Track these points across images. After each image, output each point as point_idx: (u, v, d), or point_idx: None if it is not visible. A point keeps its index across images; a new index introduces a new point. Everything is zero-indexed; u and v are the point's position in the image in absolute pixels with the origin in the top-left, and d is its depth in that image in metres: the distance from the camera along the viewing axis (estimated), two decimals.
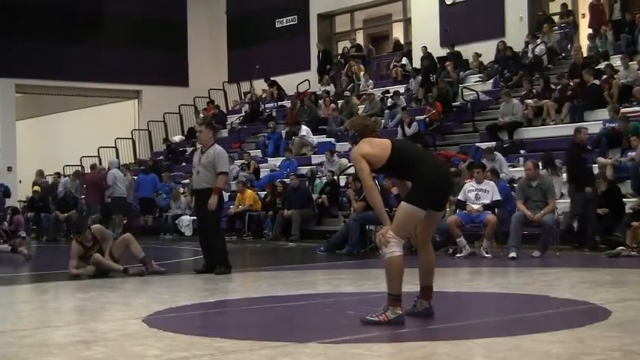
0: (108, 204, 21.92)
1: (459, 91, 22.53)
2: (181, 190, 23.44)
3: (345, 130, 7.13)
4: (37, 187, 24.97)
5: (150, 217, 23.57)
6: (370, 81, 26.04)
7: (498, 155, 17.37)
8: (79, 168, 27.30)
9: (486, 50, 23.58)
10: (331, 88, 26.89)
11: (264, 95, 29.48)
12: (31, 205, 24.63)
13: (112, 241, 11.35)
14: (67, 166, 28.05)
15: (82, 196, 23.50)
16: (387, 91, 24.18)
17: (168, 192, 24.08)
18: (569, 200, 14.95)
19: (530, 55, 22.08)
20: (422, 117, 21.63)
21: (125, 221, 22.35)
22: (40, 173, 26.38)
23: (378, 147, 6.59)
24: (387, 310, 6.37)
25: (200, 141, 11.58)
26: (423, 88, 22.98)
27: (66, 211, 22.49)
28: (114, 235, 13.58)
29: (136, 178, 23.68)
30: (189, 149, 27.32)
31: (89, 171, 24.22)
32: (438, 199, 6.65)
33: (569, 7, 23.02)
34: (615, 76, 18.94)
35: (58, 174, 26.74)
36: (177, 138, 30.14)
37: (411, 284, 6.78)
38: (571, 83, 19.43)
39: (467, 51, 24.23)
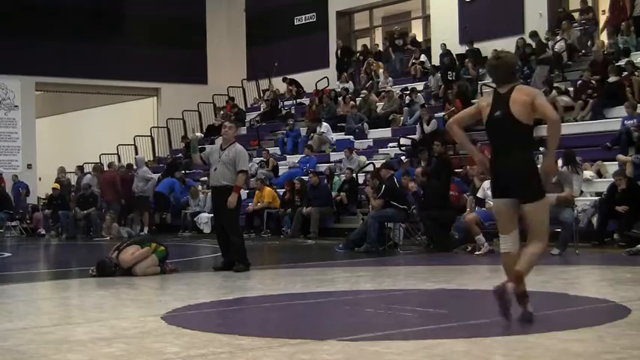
0: (132, 201, 22.05)
1: (478, 88, 22.45)
2: (199, 187, 23.47)
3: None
4: (56, 185, 25.06)
5: (167, 214, 23.62)
6: (389, 78, 25.99)
7: None
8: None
9: (505, 47, 23.19)
10: (350, 85, 26.86)
11: (284, 93, 29.46)
12: (49, 203, 24.75)
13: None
14: (86, 163, 28.13)
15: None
16: (406, 89, 24.12)
17: (186, 190, 24.13)
18: (588, 198, 14.83)
19: (549, 51, 21.95)
20: (441, 114, 21.56)
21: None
22: (62, 170, 26.47)
23: (484, 107, 6.65)
24: None
25: (228, 136, 11.43)
26: (443, 86, 22.91)
27: (85, 208, 22.57)
28: (133, 232, 13.61)
29: (156, 176, 23.80)
30: (207, 147, 27.27)
31: (107, 169, 24.30)
32: (496, 188, 6.63)
33: (589, 4, 22.87)
34: (636, 72, 18.81)
35: (81, 168, 26.80)
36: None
37: (429, 282, 6.76)
38: (592, 81, 19.31)
39: (486, 48, 24.08)
